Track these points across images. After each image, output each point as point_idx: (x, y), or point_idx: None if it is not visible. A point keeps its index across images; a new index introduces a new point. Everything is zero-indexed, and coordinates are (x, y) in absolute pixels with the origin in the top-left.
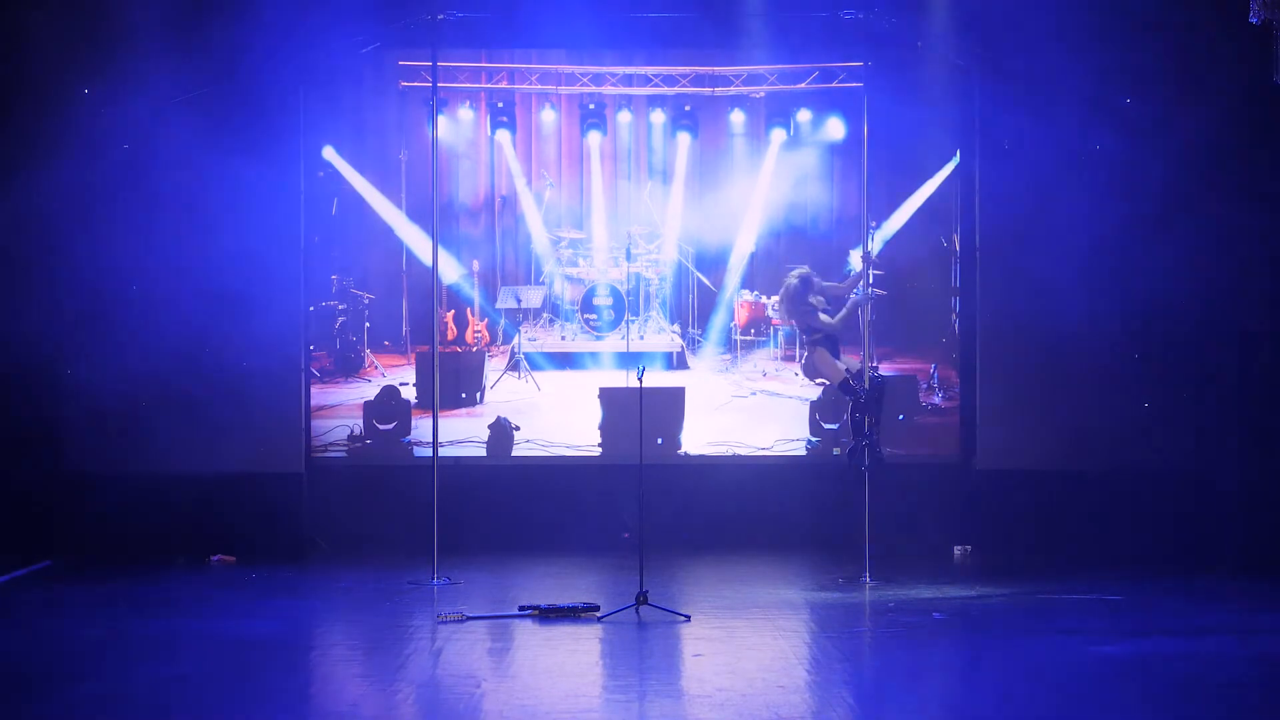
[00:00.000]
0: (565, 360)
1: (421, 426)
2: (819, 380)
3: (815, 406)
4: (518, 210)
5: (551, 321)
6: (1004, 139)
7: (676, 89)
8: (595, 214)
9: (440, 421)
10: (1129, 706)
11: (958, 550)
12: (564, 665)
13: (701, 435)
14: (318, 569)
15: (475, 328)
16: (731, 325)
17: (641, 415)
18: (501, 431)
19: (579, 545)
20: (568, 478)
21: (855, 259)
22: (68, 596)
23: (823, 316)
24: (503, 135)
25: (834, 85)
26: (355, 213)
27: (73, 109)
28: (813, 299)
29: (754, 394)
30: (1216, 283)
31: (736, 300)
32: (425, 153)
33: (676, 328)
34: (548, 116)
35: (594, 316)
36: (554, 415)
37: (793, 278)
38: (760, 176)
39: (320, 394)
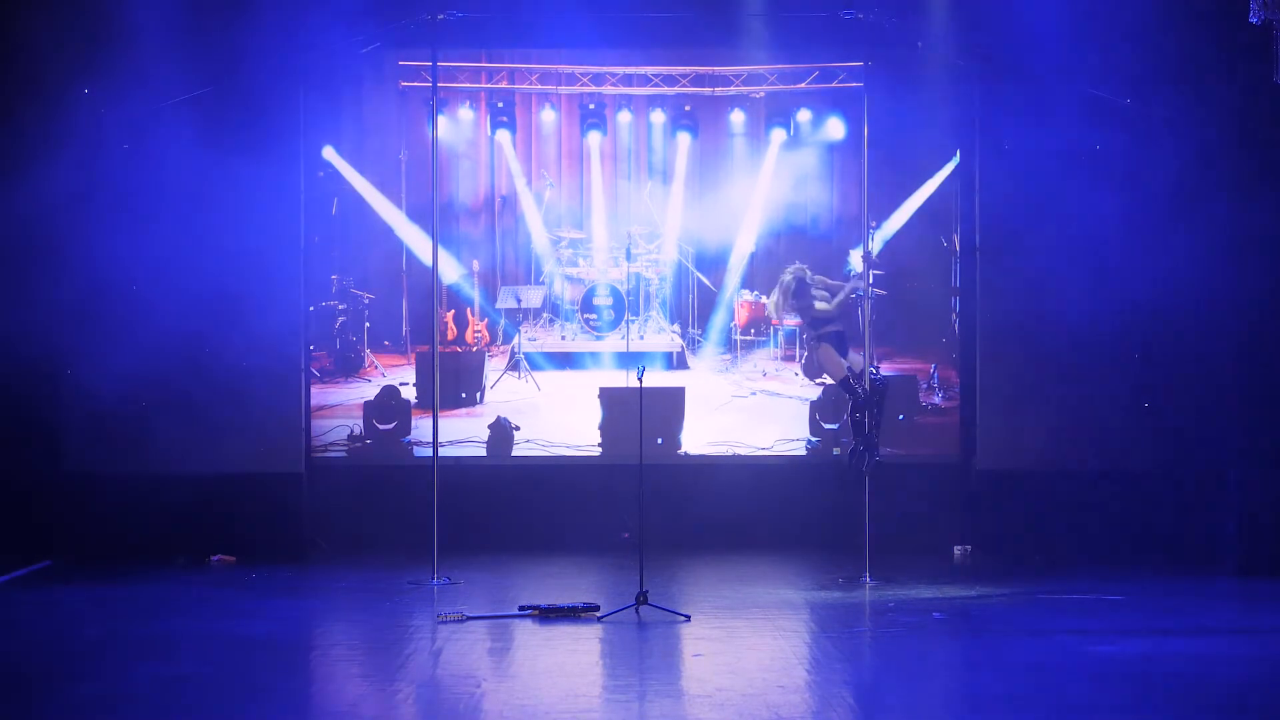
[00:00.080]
0: (565, 360)
1: (421, 426)
2: (819, 380)
3: (815, 406)
4: (518, 210)
5: (551, 321)
6: (1004, 139)
7: (676, 89)
8: (595, 214)
9: (440, 421)
10: (1129, 706)
11: (958, 550)
12: (564, 665)
13: (701, 435)
14: (318, 569)
15: (475, 328)
16: (731, 325)
17: (641, 415)
18: (501, 431)
19: (579, 545)
20: (568, 478)
21: (855, 259)
22: (68, 596)
23: (819, 305)
24: (503, 135)
25: (834, 85)
26: (355, 213)
27: (73, 109)
28: (814, 290)
29: (754, 394)
30: (1216, 283)
31: (736, 300)
32: (425, 153)
33: (676, 328)
34: (548, 116)
35: (594, 316)
36: (554, 415)
37: (788, 274)
38: (760, 176)
39: (320, 394)
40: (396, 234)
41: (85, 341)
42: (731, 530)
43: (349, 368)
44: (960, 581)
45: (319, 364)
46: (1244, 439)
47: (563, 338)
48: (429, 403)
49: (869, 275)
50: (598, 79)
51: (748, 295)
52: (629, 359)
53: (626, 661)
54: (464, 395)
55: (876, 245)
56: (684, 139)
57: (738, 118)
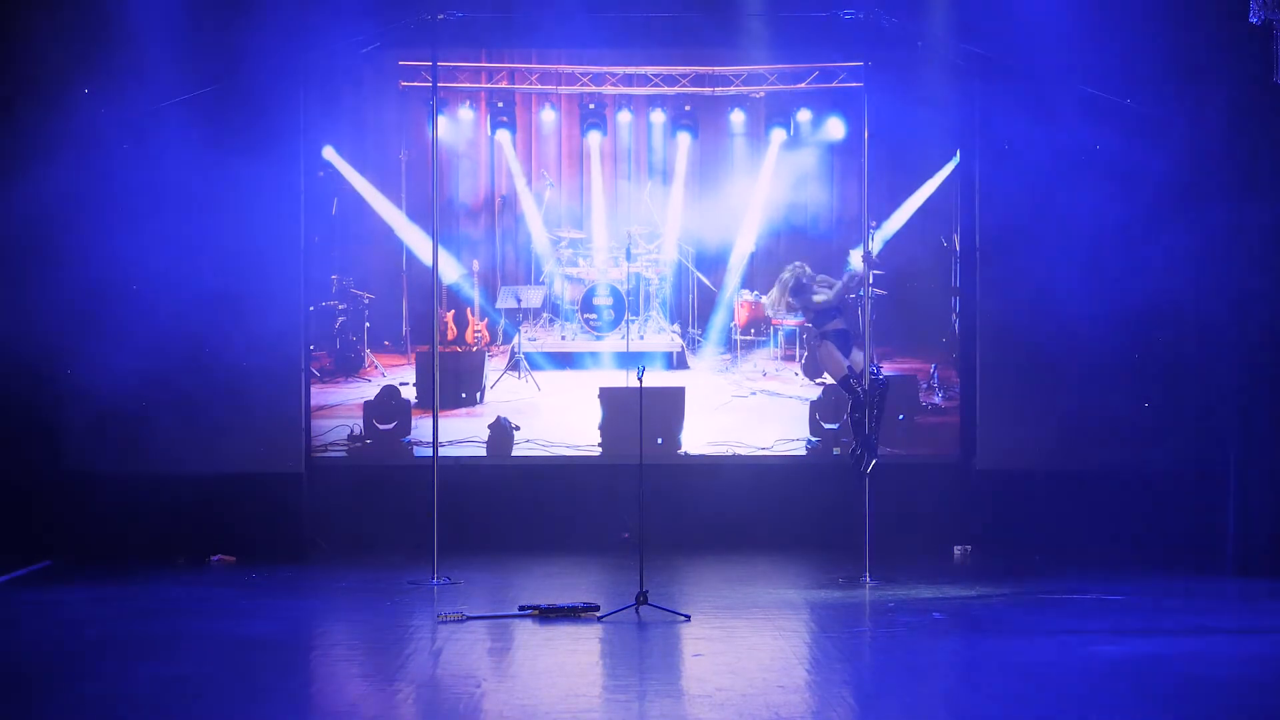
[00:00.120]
0: (565, 360)
1: (421, 426)
2: (819, 380)
3: (815, 406)
4: (518, 210)
5: (551, 321)
6: (1004, 139)
7: (676, 89)
8: (595, 214)
9: (440, 421)
10: (1129, 706)
11: (958, 550)
12: (564, 665)
13: (701, 435)
14: (318, 569)
15: (475, 327)
16: (731, 325)
17: (641, 415)
18: (501, 431)
19: (579, 545)
20: (568, 478)
21: (855, 259)
22: (68, 596)
23: (818, 297)
24: (503, 135)
25: (834, 85)
26: (355, 213)
27: (73, 109)
28: (814, 286)
29: (754, 394)
30: (1216, 282)
31: (736, 300)
32: (425, 153)
33: (676, 327)
34: (548, 116)
35: (594, 316)
36: (554, 415)
37: (788, 272)
38: (760, 176)
39: (320, 394)
40: (396, 234)
41: (85, 341)
42: (731, 530)
43: (349, 368)
44: (960, 581)
45: (319, 364)
46: (1244, 439)
47: (563, 338)
48: (429, 402)
49: (869, 275)
50: (598, 79)
51: (748, 295)
52: (629, 359)
53: (626, 661)
54: (464, 395)
55: (877, 245)
56: (684, 139)
57: (738, 118)
